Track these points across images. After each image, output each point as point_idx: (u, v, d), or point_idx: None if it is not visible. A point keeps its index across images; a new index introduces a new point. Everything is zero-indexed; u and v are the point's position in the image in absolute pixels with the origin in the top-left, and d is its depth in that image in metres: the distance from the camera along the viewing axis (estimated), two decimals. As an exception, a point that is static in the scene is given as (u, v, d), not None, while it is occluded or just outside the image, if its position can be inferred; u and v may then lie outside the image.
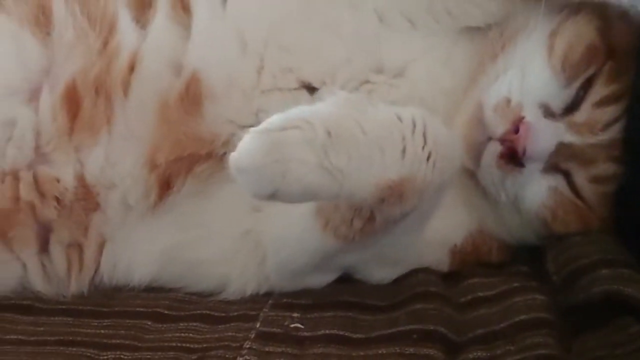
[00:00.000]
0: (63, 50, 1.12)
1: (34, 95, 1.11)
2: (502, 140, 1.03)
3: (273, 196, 0.88)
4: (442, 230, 1.11)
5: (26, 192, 1.10)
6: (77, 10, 1.13)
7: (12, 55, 1.11)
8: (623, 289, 0.94)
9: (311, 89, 1.14)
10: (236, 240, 1.12)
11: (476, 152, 1.06)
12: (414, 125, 0.94)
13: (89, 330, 1.04)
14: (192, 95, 1.10)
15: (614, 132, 1.05)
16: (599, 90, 1.06)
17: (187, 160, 1.10)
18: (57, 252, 1.13)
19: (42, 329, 1.04)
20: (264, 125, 0.89)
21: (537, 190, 1.07)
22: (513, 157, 1.03)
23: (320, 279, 1.11)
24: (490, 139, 1.05)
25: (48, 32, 1.12)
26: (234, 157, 0.88)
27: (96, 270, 1.14)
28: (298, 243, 1.05)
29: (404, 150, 0.93)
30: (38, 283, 1.13)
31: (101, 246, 1.14)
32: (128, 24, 1.13)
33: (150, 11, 1.14)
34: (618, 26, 1.11)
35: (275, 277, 1.10)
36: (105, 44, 1.12)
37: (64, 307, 1.10)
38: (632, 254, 1.01)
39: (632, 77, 1.06)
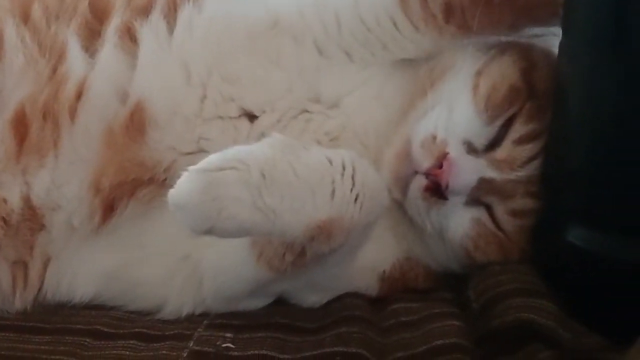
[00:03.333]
0: (13, 76, 1.13)
1: None
2: (427, 174, 1.06)
3: (209, 231, 0.91)
4: (372, 258, 1.13)
5: None
6: (28, 37, 1.14)
7: None
8: (535, 318, 0.97)
9: (251, 117, 1.15)
10: (175, 264, 1.12)
11: (403, 184, 1.09)
12: (344, 169, 0.97)
13: (29, 346, 1.04)
14: (136, 123, 1.12)
15: (532, 169, 1.08)
16: (519, 129, 1.08)
17: (130, 185, 1.11)
18: (2, 269, 1.13)
19: (-16, 344, 1.04)
20: (202, 164, 0.91)
21: (460, 221, 1.10)
22: (437, 191, 1.06)
23: (255, 304, 1.12)
24: (416, 172, 1.08)
25: None
26: (172, 194, 0.90)
27: (40, 288, 1.15)
28: (233, 271, 1.07)
29: (333, 193, 0.95)
30: (-17, 299, 1.13)
31: (46, 264, 1.15)
32: (77, 52, 1.14)
33: (99, 40, 1.15)
34: (541, 67, 1.13)
35: (211, 300, 1.11)
36: (54, 71, 1.13)
37: (7, 322, 1.10)
38: (546, 284, 1.04)
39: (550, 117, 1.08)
